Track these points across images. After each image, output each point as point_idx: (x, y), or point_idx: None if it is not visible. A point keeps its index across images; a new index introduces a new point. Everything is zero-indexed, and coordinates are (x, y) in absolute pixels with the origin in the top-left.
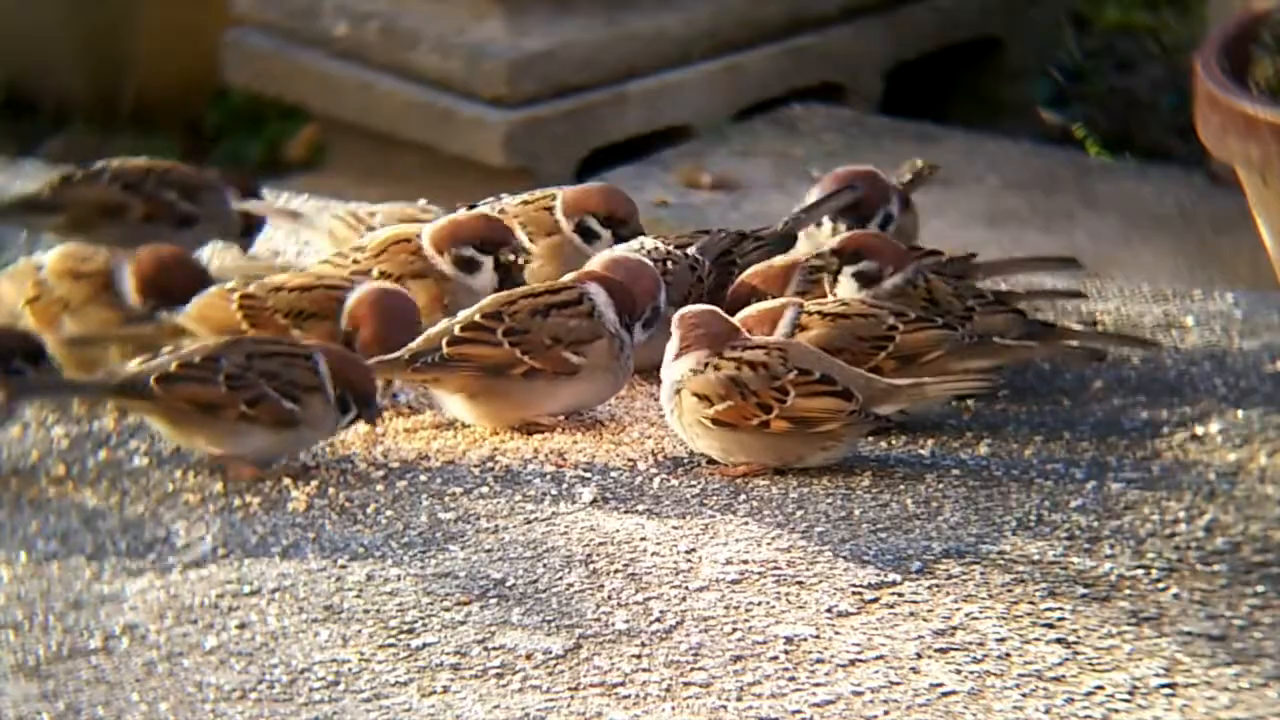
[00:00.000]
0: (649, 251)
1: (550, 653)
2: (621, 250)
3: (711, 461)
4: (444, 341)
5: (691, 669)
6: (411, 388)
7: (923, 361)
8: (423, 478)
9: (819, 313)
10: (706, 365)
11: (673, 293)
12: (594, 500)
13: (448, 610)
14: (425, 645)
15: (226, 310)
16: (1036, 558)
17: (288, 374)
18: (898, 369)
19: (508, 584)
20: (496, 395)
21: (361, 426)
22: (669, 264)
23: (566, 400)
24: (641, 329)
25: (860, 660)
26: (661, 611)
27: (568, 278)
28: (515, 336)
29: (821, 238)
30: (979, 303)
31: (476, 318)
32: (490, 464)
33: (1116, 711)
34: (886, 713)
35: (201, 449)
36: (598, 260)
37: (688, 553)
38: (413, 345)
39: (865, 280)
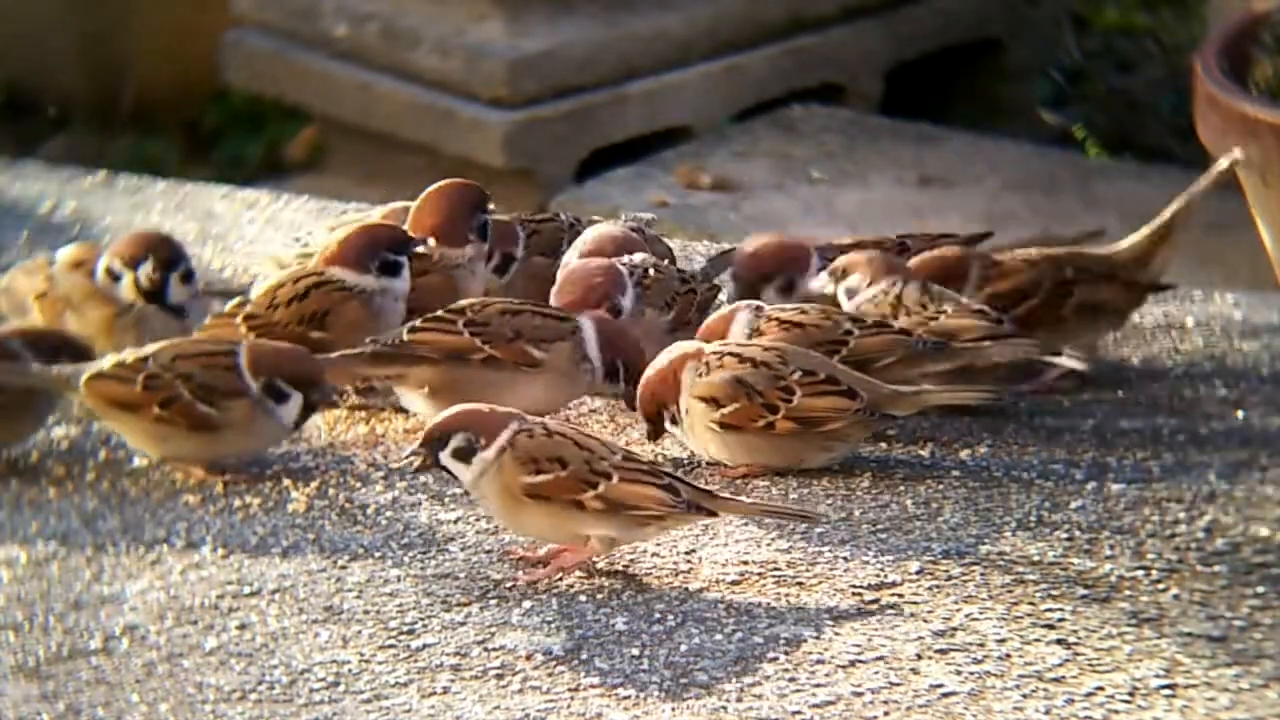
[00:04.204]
0: (636, 264)
1: (550, 654)
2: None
3: (713, 462)
4: (405, 329)
5: (691, 670)
6: (379, 383)
7: (877, 366)
8: (423, 478)
9: (776, 319)
10: (707, 368)
11: (654, 298)
12: None
13: (448, 611)
14: (425, 646)
15: (235, 335)
16: (1036, 558)
17: (203, 376)
18: None
19: (507, 585)
20: (457, 388)
21: (363, 428)
22: (651, 273)
23: (526, 397)
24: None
25: (860, 661)
26: (662, 612)
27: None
28: (476, 328)
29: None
30: (952, 307)
31: (440, 312)
32: None
33: (1116, 712)
34: (887, 713)
35: (147, 453)
36: (563, 272)
37: (687, 553)
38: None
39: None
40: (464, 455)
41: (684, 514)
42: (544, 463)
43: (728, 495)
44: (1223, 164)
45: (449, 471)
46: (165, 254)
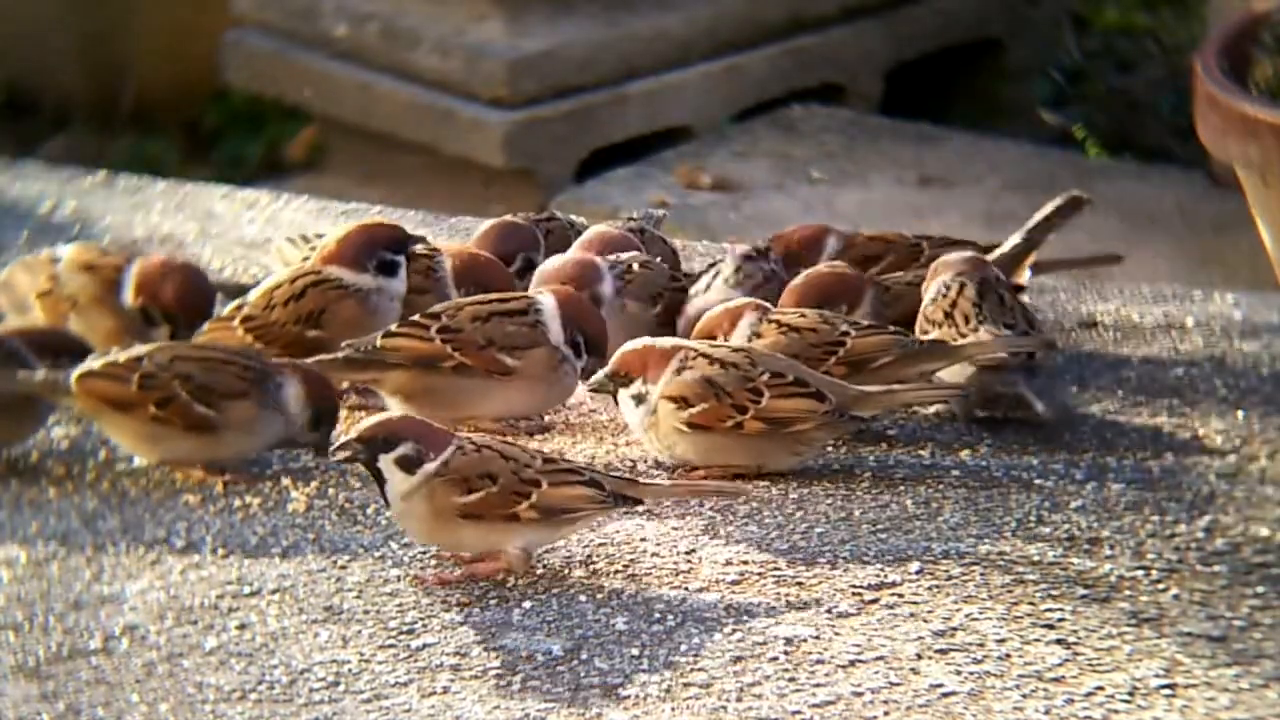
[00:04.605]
0: (619, 259)
1: (550, 654)
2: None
3: (694, 468)
4: (379, 336)
5: (691, 670)
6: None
7: (873, 366)
8: None
9: (777, 321)
10: (680, 369)
11: (638, 291)
12: None
13: (448, 611)
14: (425, 646)
15: (234, 338)
16: (1036, 559)
17: (205, 377)
18: (848, 374)
19: (508, 585)
20: (431, 395)
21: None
22: (635, 268)
23: (499, 404)
24: (585, 353)
25: (860, 661)
26: (662, 612)
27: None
28: (448, 334)
29: None
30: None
31: (416, 317)
32: None
33: (1116, 712)
34: (886, 713)
35: (141, 454)
36: (548, 264)
37: (688, 553)
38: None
39: None
40: (409, 464)
41: (611, 507)
42: (475, 480)
43: (648, 480)
44: (1058, 202)
45: (378, 476)
46: (203, 307)
